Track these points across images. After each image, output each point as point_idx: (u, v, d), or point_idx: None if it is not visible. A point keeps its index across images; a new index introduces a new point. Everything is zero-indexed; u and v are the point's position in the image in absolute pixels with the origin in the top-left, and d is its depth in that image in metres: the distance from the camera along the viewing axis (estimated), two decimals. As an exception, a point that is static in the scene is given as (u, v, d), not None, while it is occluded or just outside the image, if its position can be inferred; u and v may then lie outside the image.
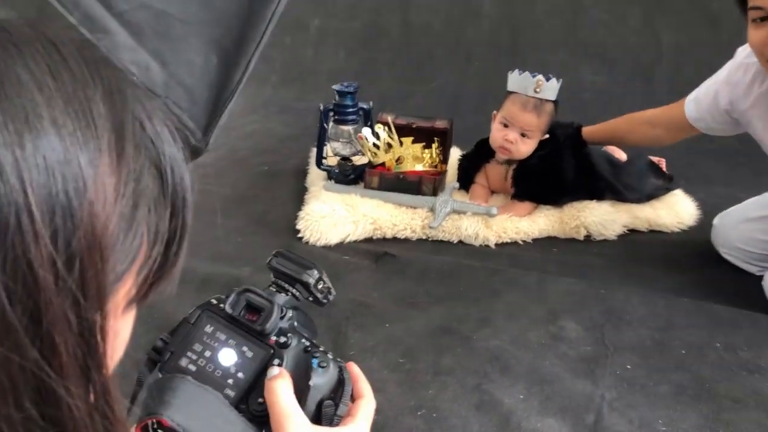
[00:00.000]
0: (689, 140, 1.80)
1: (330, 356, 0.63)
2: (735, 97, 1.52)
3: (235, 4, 0.84)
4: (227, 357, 0.62)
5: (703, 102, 1.63)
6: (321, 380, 0.61)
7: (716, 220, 1.74)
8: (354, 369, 0.69)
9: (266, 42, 1.10)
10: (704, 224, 1.83)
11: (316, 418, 0.61)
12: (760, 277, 1.52)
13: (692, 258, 1.72)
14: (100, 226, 0.31)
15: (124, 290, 0.35)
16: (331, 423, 0.60)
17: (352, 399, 0.65)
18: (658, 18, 2.87)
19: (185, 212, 0.38)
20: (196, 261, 1.59)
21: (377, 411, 1.13)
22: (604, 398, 1.21)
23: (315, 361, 0.62)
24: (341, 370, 0.62)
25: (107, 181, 0.32)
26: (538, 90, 1.75)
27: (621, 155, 1.99)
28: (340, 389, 0.62)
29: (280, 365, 0.61)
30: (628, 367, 1.29)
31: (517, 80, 1.77)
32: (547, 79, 1.75)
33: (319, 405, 0.61)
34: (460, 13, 3.06)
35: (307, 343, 0.64)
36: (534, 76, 1.75)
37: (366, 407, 0.65)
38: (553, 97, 1.77)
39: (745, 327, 1.42)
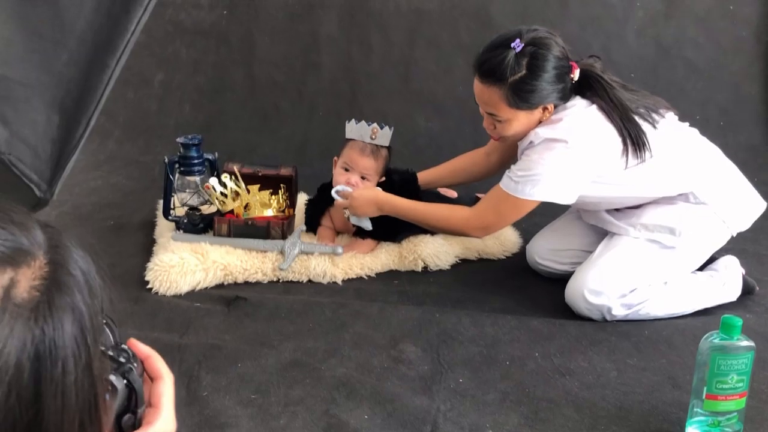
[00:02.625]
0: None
1: (113, 377, 0.62)
2: None
3: (74, 68, 0.91)
4: None
5: None
6: (111, 402, 0.60)
7: (532, 241, 1.98)
8: (141, 348, 0.68)
9: (108, 97, 1.16)
10: (525, 251, 2.05)
11: None
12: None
13: (515, 280, 1.92)
14: None
15: None
16: (134, 428, 0.64)
17: (152, 379, 0.68)
18: (481, 69, 3.17)
19: None
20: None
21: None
22: (440, 410, 1.34)
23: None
24: (127, 381, 0.62)
25: None
26: (374, 137, 1.91)
27: (452, 194, 2.20)
28: (132, 396, 0.63)
29: None
30: (461, 380, 1.44)
31: (354, 128, 1.93)
32: (381, 127, 1.91)
33: (119, 421, 0.62)
34: (302, 66, 3.21)
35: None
36: (370, 125, 1.91)
37: (165, 388, 0.67)
38: (387, 143, 1.93)
39: (558, 336, 1.62)
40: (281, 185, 2.05)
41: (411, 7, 3.19)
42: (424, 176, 2.08)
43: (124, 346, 0.68)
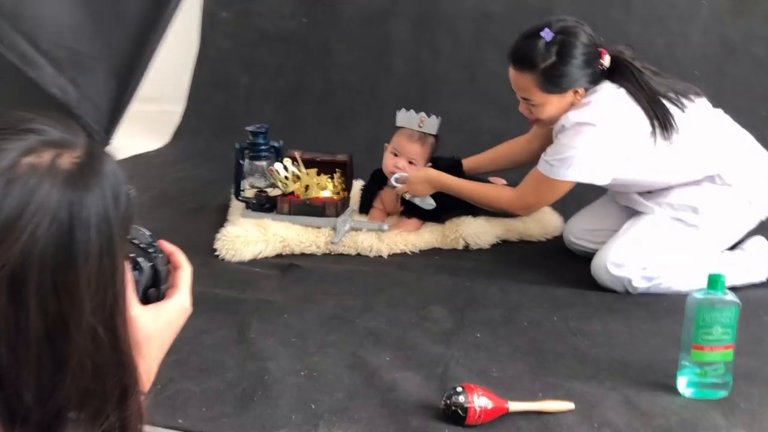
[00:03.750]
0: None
1: (142, 259, 0.81)
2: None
3: (126, 43, 1.16)
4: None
5: None
6: (140, 278, 0.83)
7: (569, 222, 2.10)
8: (167, 246, 0.86)
9: (199, 98, 1.40)
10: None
11: (146, 303, 0.85)
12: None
13: (550, 259, 2.05)
14: None
15: None
16: (159, 299, 0.85)
17: (175, 268, 0.89)
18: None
19: None
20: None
21: (269, 373, 1.40)
22: (453, 356, 1.49)
23: (134, 272, 0.85)
24: (154, 265, 0.83)
25: None
26: (421, 125, 2.09)
27: (501, 182, 2.34)
28: (157, 276, 0.83)
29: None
30: (478, 335, 1.59)
31: (404, 117, 2.12)
32: (429, 116, 2.09)
33: (146, 294, 0.82)
34: (374, 69, 3.44)
35: (132, 256, 0.87)
36: (418, 114, 2.09)
37: (184, 274, 0.85)
38: (434, 131, 2.11)
39: (578, 304, 1.74)
40: (336, 170, 2.26)
41: (478, 10, 3.35)
42: (468, 162, 2.23)
43: (154, 243, 0.91)
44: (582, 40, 1.77)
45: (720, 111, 1.91)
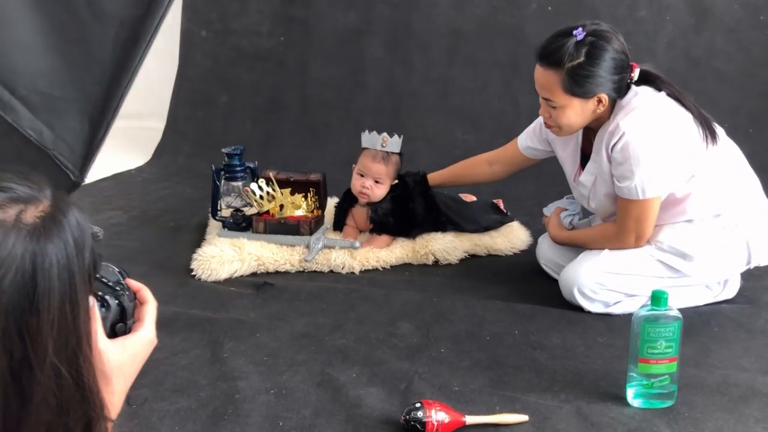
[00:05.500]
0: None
1: (109, 296, 0.87)
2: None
3: (98, 87, 1.23)
4: None
5: (529, 131, 2.14)
6: (107, 315, 0.91)
7: (541, 239, 2.15)
8: (133, 284, 0.93)
9: (179, 116, 1.46)
10: (534, 248, 2.24)
11: (114, 336, 0.91)
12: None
13: (516, 273, 2.12)
14: None
15: None
16: (126, 333, 0.92)
17: (141, 304, 0.96)
18: (515, 83, 3.37)
19: None
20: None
21: (239, 391, 1.46)
22: (417, 372, 1.57)
23: (101, 309, 0.91)
24: (119, 301, 0.91)
25: None
26: (384, 145, 2.16)
27: (471, 198, 2.42)
28: (123, 312, 0.89)
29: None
30: (442, 350, 1.66)
31: (367, 138, 2.19)
32: (391, 136, 2.17)
33: (113, 328, 0.88)
34: (349, 86, 3.52)
35: (99, 294, 0.94)
36: (380, 134, 2.16)
37: (149, 309, 0.92)
38: (397, 150, 2.18)
39: (539, 318, 1.82)
40: (311, 189, 2.34)
41: (450, 27, 3.44)
42: (432, 177, 2.30)
43: (122, 281, 0.97)
44: (614, 45, 1.68)
45: (736, 146, 1.87)
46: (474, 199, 2.43)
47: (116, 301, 0.93)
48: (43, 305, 0.66)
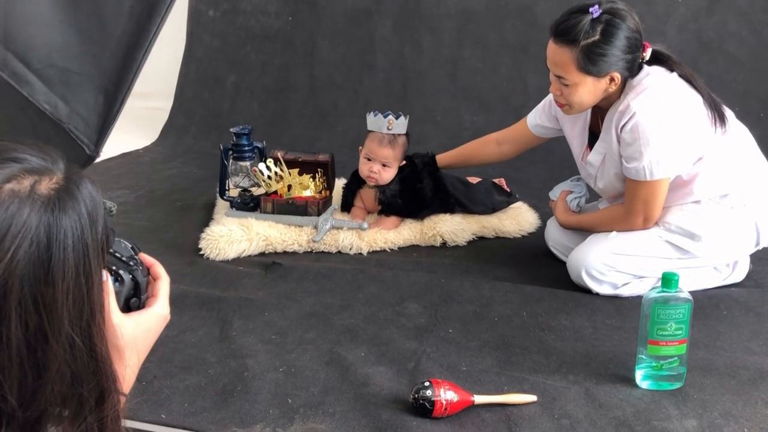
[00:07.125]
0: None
1: (123, 271, 0.87)
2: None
3: (113, 62, 1.23)
4: None
5: (538, 109, 2.12)
6: (121, 289, 0.91)
7: (550, 221, 2.15)
8: (146, 258, 0.94)
9: (187, 97, 1.46)
10: (542, 231, 2.24)
11: (128, 311, 0.92)
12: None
13: (525, 255, 2.12)
14: None
15: None
16: (139, 308, 0.92)
17: (154, 279, 0.96)
18: (525, 65, 3.35)
19: None
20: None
21: (248, 369, 1.47)
22: (425, 352, 1.57)
23: (115, 283, 0.91)
24: (133, 276, 0.91)
25: None
26: (390, 127, 2.15)
27: (475, 180, 2.41)
28: (137, 287, 0.90)
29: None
30: (450, 331, 1.66)
31: (373, 121, 2.18)
32: (397, 117, 2.15)
33: (127, 303, 0.89)
34: (358, 66, 3.50)
35: (113, 269, 0.94)
36: (386, 116, 2.15)
37: (162, 285, 0.92)
38: (403, 131, 2.17)
39: (548, 299, 1.82)
40: (318, 170, 2.33)
41: (459, 8, 3.41)
42: (440, 158, 2.28)
43: (135, 256, 0.97)
44: (629, 24, 1.66)
45: (745, 128, 1.87)
46: (480, 180, 2.42)
47: (130, 276, 0.93)
48: (57, 276, 0.66)
